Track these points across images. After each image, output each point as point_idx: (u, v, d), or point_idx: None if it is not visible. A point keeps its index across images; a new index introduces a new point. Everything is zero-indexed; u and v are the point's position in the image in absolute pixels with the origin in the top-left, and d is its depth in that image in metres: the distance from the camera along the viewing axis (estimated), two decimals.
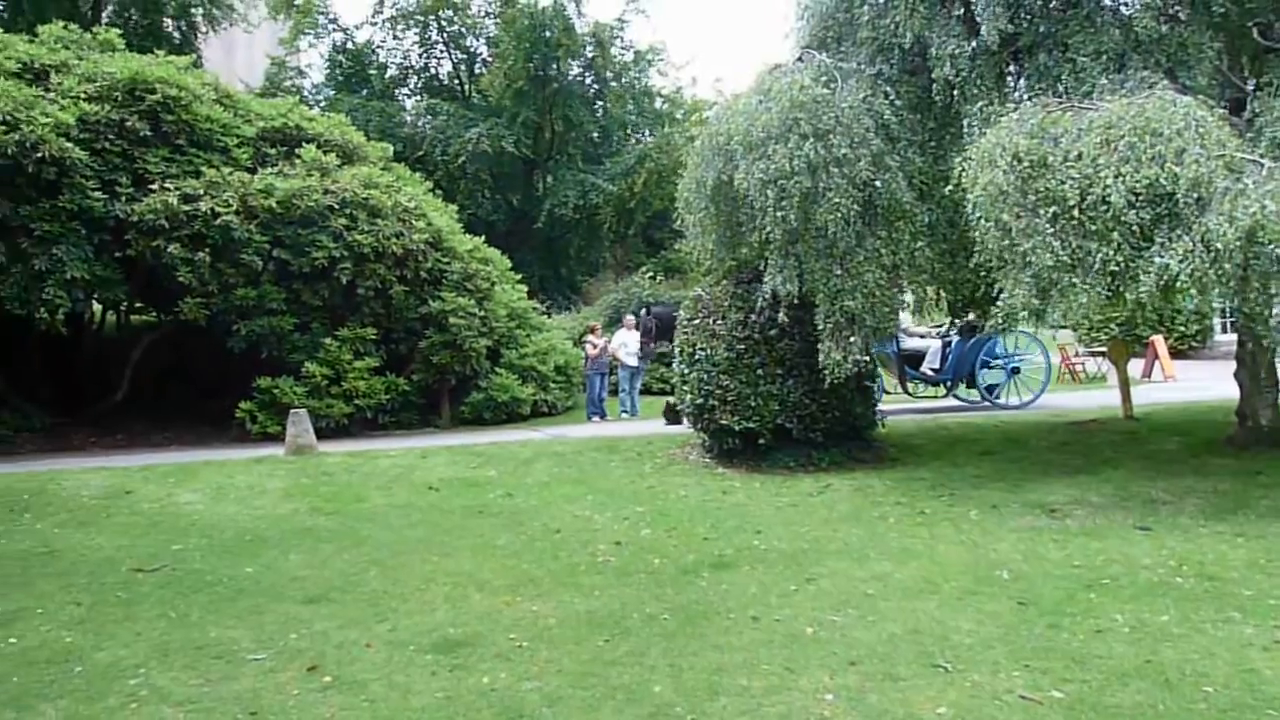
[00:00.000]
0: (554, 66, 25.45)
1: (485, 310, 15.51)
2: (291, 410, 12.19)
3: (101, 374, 15.50)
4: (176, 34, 23.73)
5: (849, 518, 8.66)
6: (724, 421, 10.55)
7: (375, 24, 27.03)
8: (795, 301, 9.90)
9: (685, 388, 11.00)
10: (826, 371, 9.76)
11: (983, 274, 9.31)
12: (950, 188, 9.28)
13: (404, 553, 7.64)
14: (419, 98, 28.16)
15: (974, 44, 9.74)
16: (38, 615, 6.22)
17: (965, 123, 9.62)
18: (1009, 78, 9.98)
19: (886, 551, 7.55)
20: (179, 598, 6.52)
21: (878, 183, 9.75)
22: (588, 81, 26.97)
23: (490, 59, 27.29)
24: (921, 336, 15.53)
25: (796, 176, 9.33)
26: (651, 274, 23.32)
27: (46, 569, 7.26)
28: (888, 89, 10.25)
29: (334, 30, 27.34)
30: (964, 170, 8.85)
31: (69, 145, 12.75)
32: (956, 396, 15.49)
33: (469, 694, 5.06)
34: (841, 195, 9.44)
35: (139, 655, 5.52)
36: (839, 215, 9.44)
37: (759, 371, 10.54)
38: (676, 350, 11.42)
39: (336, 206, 14.16)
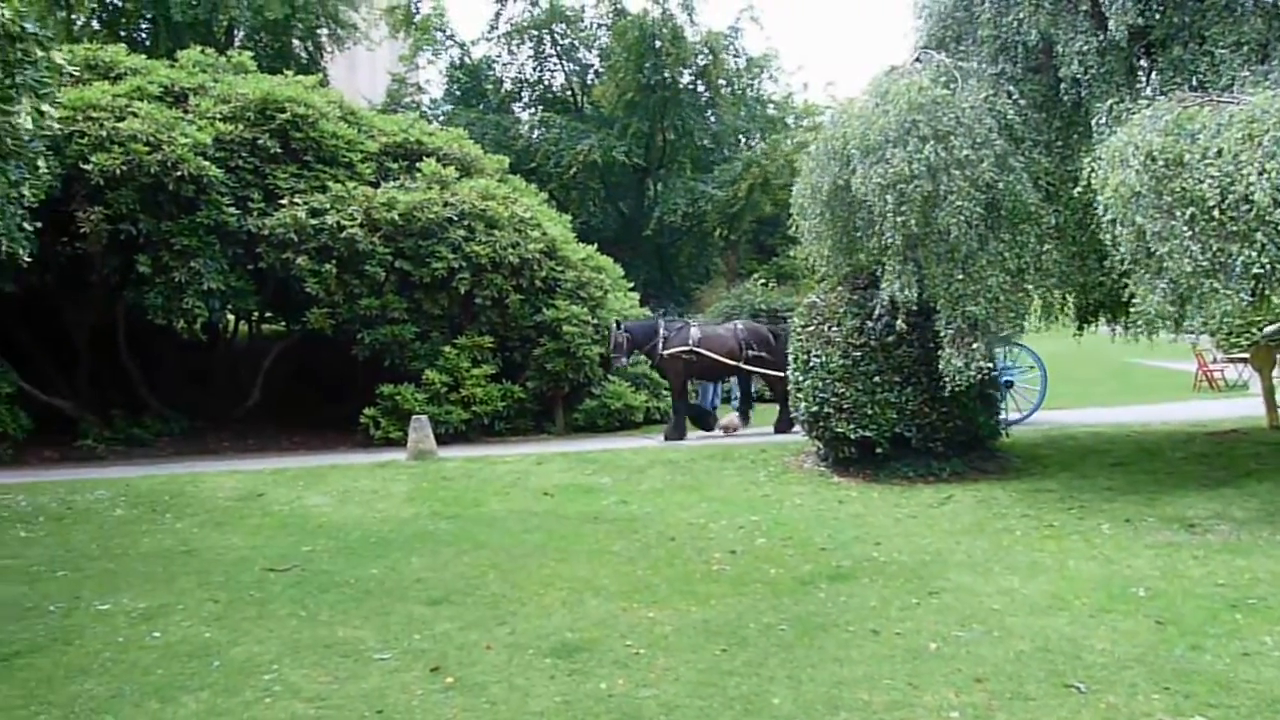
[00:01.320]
0: (665, 76, 25.56)
1: (598, 318, 15.64)
2: (413, 416, 12.53)
3: (235, 381, 16.22)
4: (304, 54, 24.71)
5: (972, 530, 8.40)
6: (840, 430, 10.38)
7: (491, 39, 27.65)
8: (914, 308, 9.68)
9: (799, 395, 10.87)
10: (948, 379, 9.51)
11: (1115, 278, 8.94)
12: (1079, 189, 8.95)
13: (521, 557, 7.75)
14: (533, 110, 28.65)
15: (1102, 39, 9.37)
16: (179, 611, 6.53)
17: (1094, 121, 9.27)
18: (1140, 73, 9.56)
19: (1013, 565, 7.29)
20: (309, 597, 6.75)
21: (1001, 185, 9.46)
22: (699, 89, 26.98)
23: (602, 70, 27.59)
24: None
25: (916, 180, 9.12)
26: (763, 280, 23.17)
27: (186, 567, 7.61)
28: (1010, 88, 9.95)
29: (451, 46, 28.06)
30: (1093, 170, 8.52)
31: (206, 164, 13.41)
32: None
33: (587, 699, 5.09)
34: (963, 198, 9.19)
35: (272, 652, 5.74)
36: (961, 219, 9.20)
37: (876, 379, 10.33)
38: (790, 358, 11.27)
39: (455, 218, 14.52)
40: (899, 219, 9.29)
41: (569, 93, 29.07)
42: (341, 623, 6.22)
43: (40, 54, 5.35)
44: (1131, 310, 8.66)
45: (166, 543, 8.41)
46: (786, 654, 5.68)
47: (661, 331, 13.73)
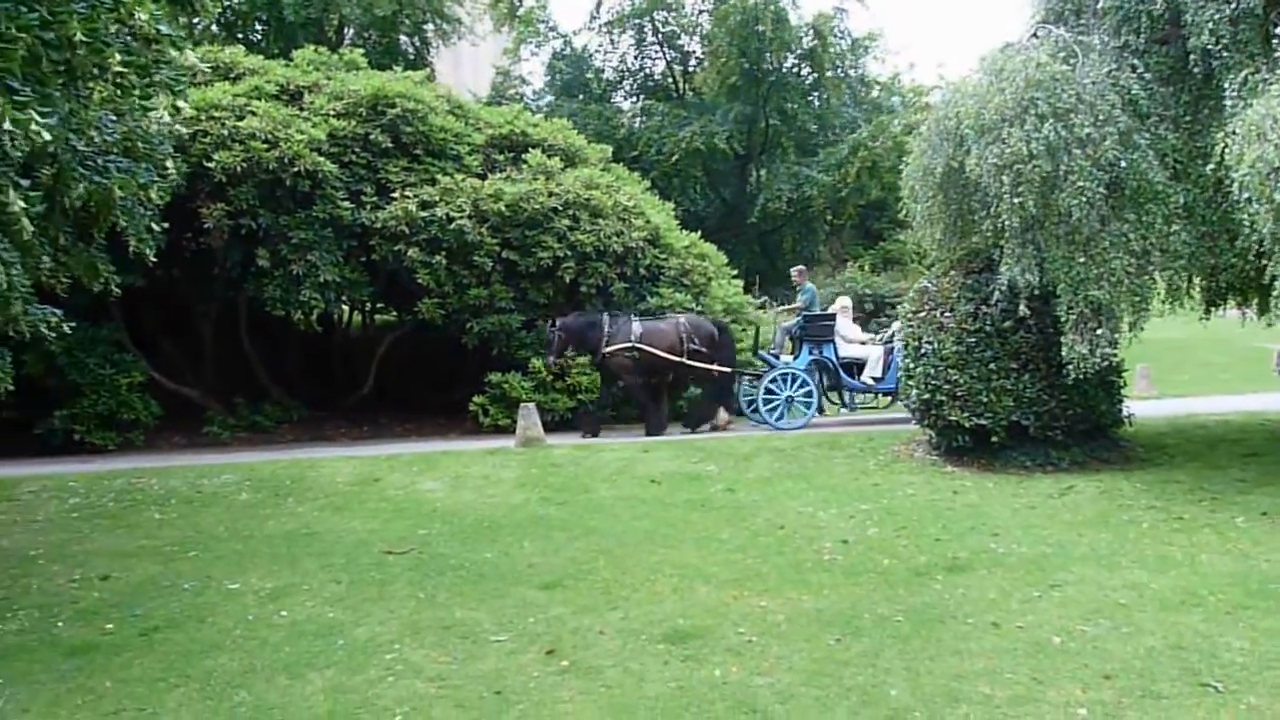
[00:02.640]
0: (768, 60, 25.28)
1: (702, 305, 15.57)
2: (521, 404, 12.71)
3: (350, 369, 16.71)
4: (411, 50, 25.21)
5: (1095, 522, 8.10)
6: (953, 418, 10.12)
7: (592, 29, 27.78)
8: (1034, 292, 9.37)
9: (910, 382, 10.64)
10: (1071, 366, 9.18)
11: (1250, 259, 8.49)
12: (1210, 166, 8.52)
13: (630, 544, 7.79)
14: (634, 99, 28.71)
15: (1234, 6, 8.88)
16: (303, 591, 6.76)
17: (1226, 94, 8.79)
18: (1275, 41, 9.03)
19: (1140, 559, 7.02)
20: (426, 579, 6.91)
21: (1124, 163, 9.08)
22: (803, 73, 26.61)
23: (703, 56, 27.44)
24: (862, 343, 14.40)
25: (1035, 160, 8.82)
26: (868, 265, 22.77)
27: (309, 549, 7.88)
28: (1135, 61, 9.51)
29: (554, 38, 28.29)
30: (1227, 146, 8.11)
31: (321, 159, 13.80)
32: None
33: (701, 685, 5.10)
34: (1085, 178, 8.86)
35: (393, 632, 5.90)
36: (1082, 199, 8.86)
37: (991, 366, 10.03)
38: (899, 344, 11.03)
39: (560, 208, 14.64)
40: (1016, 200, 9.00)
41: (670, 80, 29.01)
42: (458, 604, 6.35)
43: (175, 54, 5.57)
44: (1273, 294, 8.22)
45: (289, 525, 8.72)
46: (903, 645, 5.59)
47: (606, 328, 13.43)
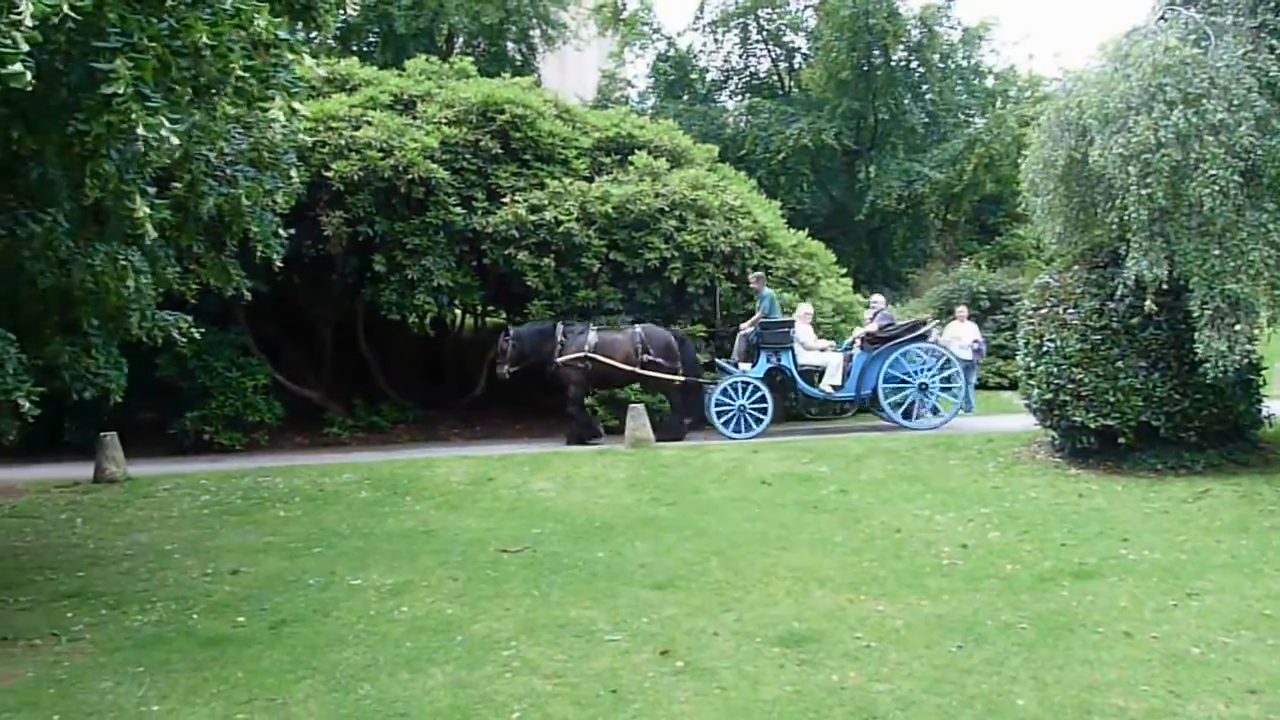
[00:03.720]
0: (877, 54, 24.81)
1: (810, 305, 15.37)
2: (629, 405, 12.76)
3: (463, 371, 17.05)
4: (518, 57, 25.61)
5: (1234, 527, 7.69)
6: (1077, 418, 9.74)
7: (696, 29, 27.74)
8: (1162, 287, 8.94)
9: (1031, 381, 10.28)
10: (1208, 364, 8.73)
11: None
12: None
13: (742, 545, 7.73)
14: (740, 98, 28.54)
15: None
16: (422, 588, 6.91)
17: None
18: None
19: None
20: (540, 578, 6.99)
21: (1261, 150, 8.61)
22: (913, 66, 26.01)
23: (810, 53, 27.12)
24: (821, 350, 13.90)
25: (1163, 149, 8.44)
26: (983, 261, 22.11)
27: (426, 546, 8.05)
28: (1273, 42, 9.01)
29: (658, 39, 28.35)
30: None
31: (434, 166, 14.13)
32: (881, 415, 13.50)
33: (818, 690, 5.01)
34: (1218, 166, 8.43)
35: (509, 629, 5.97)
36: (1215, 189, 8.44)
37: (1118, 364, 9.62)
38: (1021, 342, 10.66)
39: (667, 209, 14.65)
40: (1143, 191, 8.64)
41: (775, 77, 28.75)
42: (572, 603, 6.40)
43: (291, 57, 5.75)
44: None
45: (408, 523, 8.93)
46: (1029, 654, 5.39)
47: (559, 337, 13.33)
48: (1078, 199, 9.78)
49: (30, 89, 4.42)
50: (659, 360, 13.30)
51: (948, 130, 26.33)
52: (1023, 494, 9.10)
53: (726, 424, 13.06)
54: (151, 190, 6.53)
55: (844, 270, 17.53)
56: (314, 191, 13.45)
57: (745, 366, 13.59)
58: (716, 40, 28.00)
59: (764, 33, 27.72)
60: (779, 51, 28.40)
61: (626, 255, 14.61)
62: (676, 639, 5.72)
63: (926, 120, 26.12)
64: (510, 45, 25.49)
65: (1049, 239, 10.54)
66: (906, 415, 13.06)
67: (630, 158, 15.70)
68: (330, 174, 13.58)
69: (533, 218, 14.30)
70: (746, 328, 13.90)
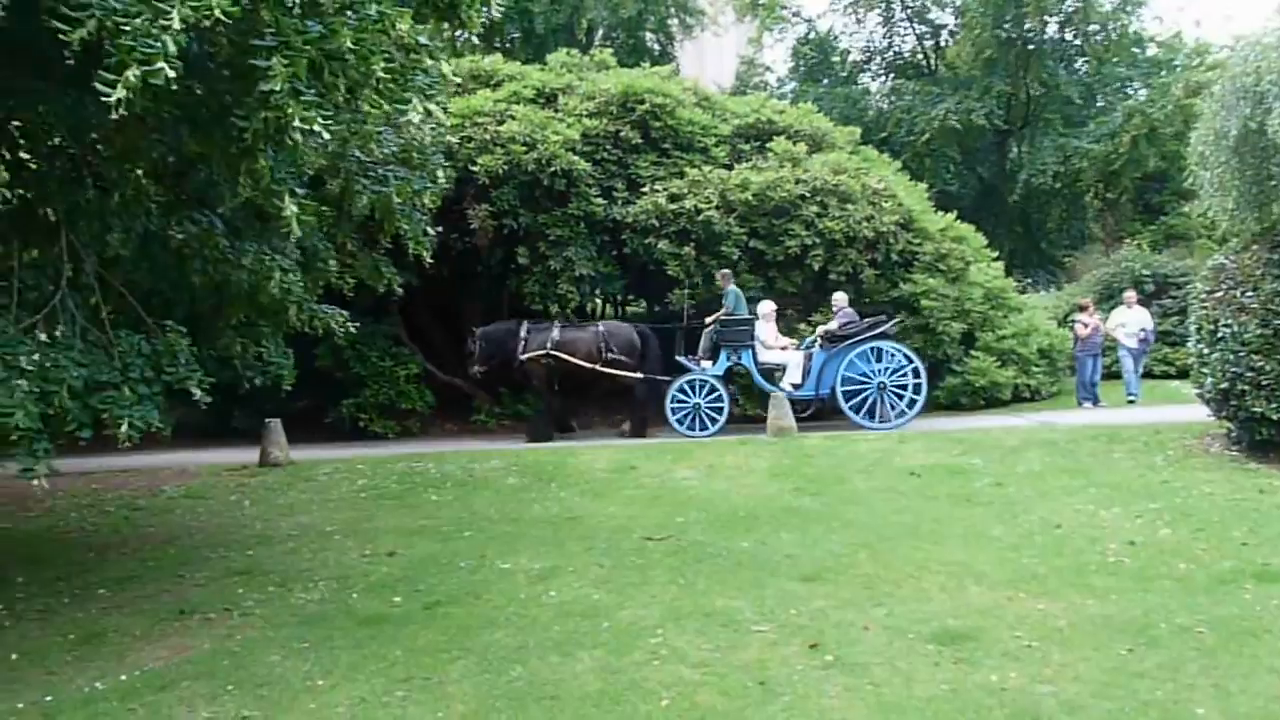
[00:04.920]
0: (1027, 27, 23.75)
1: (959, 291, 14.87)
2: (771, 394, 12.61)
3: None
4: (656, 46, 25.69)
5: None
6: (1256, 409, 9.08)
7: (837, 10, 27.20)
8: None
9: (1205, 370, 9.64)
10: None
11: None
12: None
13: (891, 538, 7.52)
14: (882, 79, 27.86)
15: None
16: (569, 573, 6.99)
17: None
18: None
19: None
20: (685, 566, 6.97)
21: None
22: (1067, 38, 24.80)
23: (956, 29, 26.19)
24: (782, 349, 13.46)
25: None
26: (1147, 243, 20.90)
27: (572, 533, 8.15)
28: None
29: (797, 23, 27.94)
30: None
31: (575, 158, 14.30)
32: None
33: (976, 690, 4.81)
34: None
35: (655, 617, 5.97)
36: None
37: None
38: (1193, 328, 10.00)
39: (808, 195, 14.41)
40: None
41: (920, 56, 27.92)
42: (718, 593, 6.35)
43: (430, 62, 5.88)
44: None
45: (553, 509, 9.07)
46: (1208, 660, 5.04)
47: (521, 334, 13.20)
48: (1252, 172, 9.11)
49: (198, 92, 4.66)
50: (622, 358, 13.30)
51: (1106, 104, 24.99)
52: (1195, 489, 8.53)
53: (681, 421, 12.93)
54: (301, 191, 6.82)
55: (995, 254, 16.88)
56: (461, 186, 13.79)
57: (707, 364, 13.44)
58: (858, 20, 27.43)
59: (908, 10, 26.96)
60: (924, 29, 27.55)
61: (767, 243, 14.45)
62: (825, 632, 5.60)
63: (1082, 94, 24.85)
64: (649, 35, 25.58)
65: (1219, 216, 9.84)
66: (870, 415, 12.74)
67: (770, 144, 15.51)
68: (476, 169, 13.90)
69: (672, 206, 14.31)
70: (711, 324, 13.75)
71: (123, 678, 5.41)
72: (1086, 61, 25.33)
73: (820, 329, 13.32)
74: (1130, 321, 14.63)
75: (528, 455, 11.38)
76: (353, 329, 8.94)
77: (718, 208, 14.29)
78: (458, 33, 7.07)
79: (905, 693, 4.81)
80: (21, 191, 6.59)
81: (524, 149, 14.06)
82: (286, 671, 5.40)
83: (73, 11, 4.53)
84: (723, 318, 13.45)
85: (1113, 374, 15.51)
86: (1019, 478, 9.37)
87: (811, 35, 28.00)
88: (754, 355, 13.23)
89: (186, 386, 6.59)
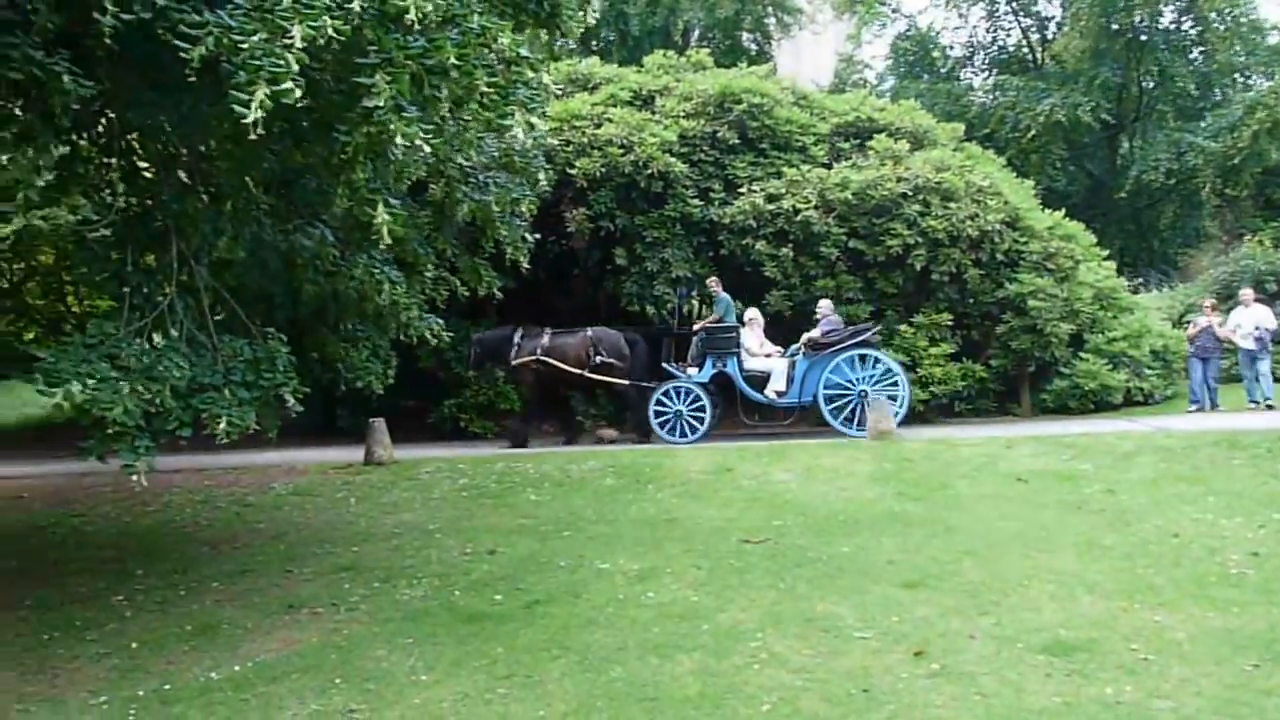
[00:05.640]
0: (1137, 18, 22.87)
1: (1068, 291, 14.39)
2: (872, 396, 12.40)
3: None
4: (753, 46, 25.57)
5: None
6: None
7: (938, 5, 26.66)
8: None
9: None
10: None
11: None
12: None
13: (998, 545, 7.30)
14: (986, 74, 27.17)
15: None
16: (667, 575, 6.98)
17: None
18: None
19: None
20: (784, 570, 6.89)
21: None
22: (1183, 27, 23.79)
23: (1063, 22, 25.37)
24: (767, 356, 13.23)
25: None
26: (1269, 240, 19.88)
27: (670, 534, 8.14)
28: None
29: (897, 19, 27.47)
30: None
31: (672, 160, 14.33)
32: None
33: (1090, 703, 4.65)
34: None
35: (755, 620, 5.92)
36: None
37: None
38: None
39: (909, 193, 14.14)
40: None
41: (1025, 50, 27.17)
42: (819, 598, 6.26)
43: (531, 75, 5.96)
44: None
45: (650, 511, 9.07)
46: None
47: (515, 340, 13.07)
48: None
49: (301, 105, 4.81)
50: (612, 361, 13.17)
51: (1225, 96, 23.88)
52: None
53: (663, 427, 12.80)
54: (395, 201, 6.98)
55: (1105, 253, 16.32)
56: (558, 189, 13.95)
57: (692, 371, 13.27)
58: (961, 15, 26.85)
59: (1013, 4, 26.23)
60: (1029, 22, 26.81)
61: (867, 243, 14.24)
62: (930, 640, 5.47)
63: (1198, 86, 23.80)
64: (745, 35, 25.49)
65: None
66: (850, 422, 12.45)
67: (870, 142, 15.27)
68: (574, 172, 14.04)
69: (770, 207, 14.22)
70: (698, 330, 13.59)
71: (236, 668, 5.61)
72: (1203, 51, 24.24)
73: (804, 336, 13.20)
74: (1245, 321, 13.94)
75: (624, 456, 11.41)
76: (447, 337, 9.16)
77: (816, 207, 14.14)
78: (558, 41, 7.16)
79: (1015, 704, 4.67)
80: (135, 199, 6.89)
81: (621, 151, 14.14)
82: (392, 666, 5.52)
83: (191, 29, 4.73)
84: (708, 325, 13.45)
85: (1233, 377, 14.80)
86: (1132, 484, 9.01)
87: (911, 31, 27.49)
88: (739, 363, 13.16)
89: (281, 393, 6.79)
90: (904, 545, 7.41)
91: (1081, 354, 14.45)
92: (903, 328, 14.28)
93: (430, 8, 4.96)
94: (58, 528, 9.66)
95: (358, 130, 5.45)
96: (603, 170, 14.06)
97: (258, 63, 4.53)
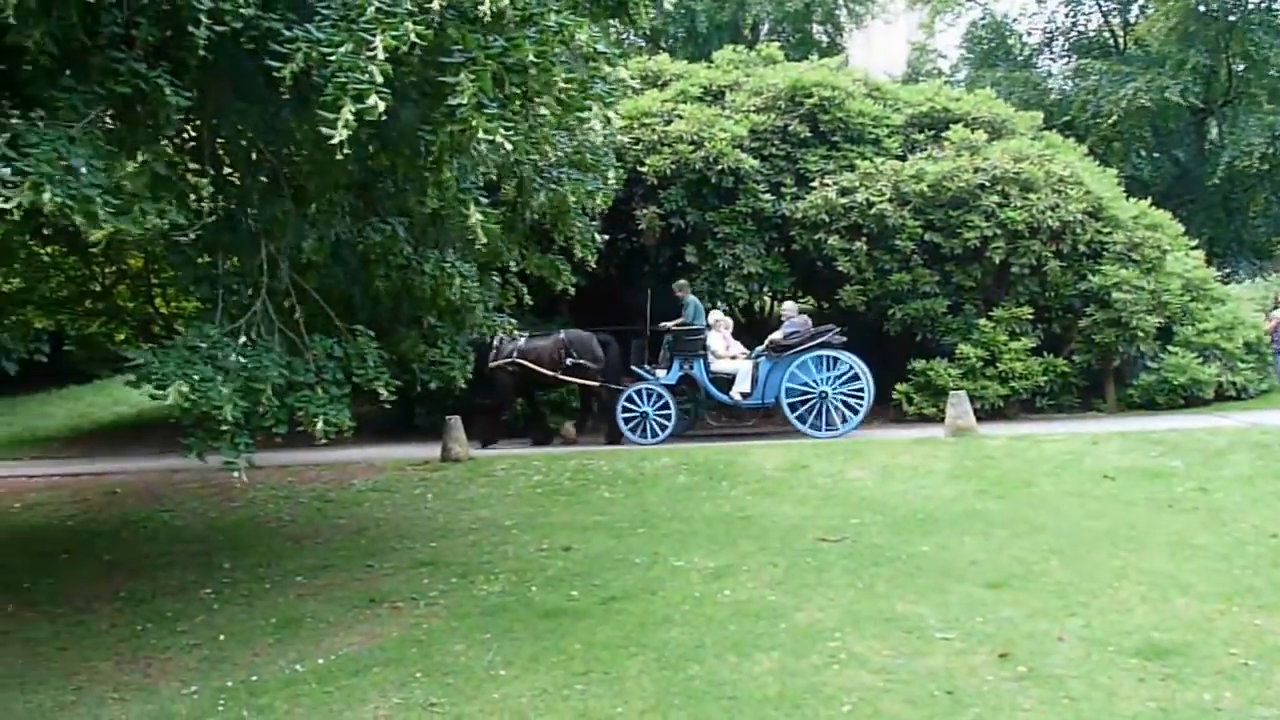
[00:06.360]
0: None
1: (1154, 282, 13.92)
2: (951, 392, 12.18)
3: None
4: (823, 38, 25.29)
5: None
6: None
7: None
8: None
9: None
10: None
11: None
12: None
13: (1085, 544, 7.10)
14: (1065, 60, 26.46)
15: None
16: (743, 572, 6.92)
17: None
18: None
19: None
20: (862, 569, 6.78)
21: None
22: (1275, 6, 22.86)
23: (1147, 3, 24.58)
24: (732, 358, 13.20)
25: None
26: None
27: (745, 532, 8.08)
28: None
29: (970, 7, 26.91)
30: None
31: (743, 155, 14.23)
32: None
33: (1187, 709, 4.48)
34: None
35: (833, 620, 5.83)
36: None
37: None
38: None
39: (987, 184, 13.83)
40: None
41: (1107, 34, 26.38)
42: (898, 597, 6.15)
43: (609, 69, 5.95)
44: None
45: (725, 508, 9.03)
46: None
47: (494, 344, 12.82)
48: None
49: (386, 115, 4.88)
50: (584, 363, 13.10)
51: None
52: None
53: (631, 429, 12.78)
54: (485, 200, 7.06)
55: (1193, 242, 15.76)
56: (629, 187, 13.94)
57: (661, 373, 13.21)
58: (1039, 0, 26.13)
59: None
60: (1110, 5, 26.02)
61: (943, 236, 13.97)
62: (1016, 642, 5.32)
63: None
64: (816, 27, 25.24)
65: None
66: (818, 423, 12.45)
67: (945, 132, 14.98)
68: (644, 169, 14.04)
69: (843, 200, 14.04)
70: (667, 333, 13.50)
71: (320, 661, 5.71)
72: None
73: (768, 338, 13.20)
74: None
75: (697, 454, 11.38)
76: (521, 338, 9.24)
77: (891, 200, 13.92)
78: (625, 33, 7.15)
79: (1107, 709, 4.52)
80: (224, 203, 7.07)
81: (691, 148, 14.10)
82: (470, 660, 5.56)
83: (280, 45, 4.84)
84: (674, 329, 13.42)
85: None
86: (1226, 482, 8.69)
87: (986, 18, 26.90)
88: (705, 365, 13.16)
89: (375, 388, 6.92)
90: (986, 544, 7.25)
91: (1170, 347, 13.96)
92: (981, 322, 13.97)
93: (508, 6, 4.99)
94: (148, 522, 9.98)
95: (442, 130, 5.52)
96: (673, 167, 14.03)
97: (344, 78, 4.61)
